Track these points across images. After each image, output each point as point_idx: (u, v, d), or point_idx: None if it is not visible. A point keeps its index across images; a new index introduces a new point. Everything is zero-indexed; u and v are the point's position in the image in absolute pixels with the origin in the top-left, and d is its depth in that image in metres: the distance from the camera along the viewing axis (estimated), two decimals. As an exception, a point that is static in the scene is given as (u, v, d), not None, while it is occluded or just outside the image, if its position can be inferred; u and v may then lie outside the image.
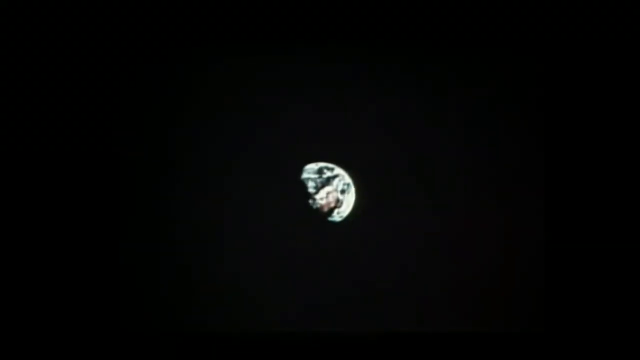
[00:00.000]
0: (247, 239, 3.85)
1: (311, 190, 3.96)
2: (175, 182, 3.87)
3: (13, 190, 3.75)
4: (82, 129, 3.81)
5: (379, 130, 3.89)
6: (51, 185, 3.76)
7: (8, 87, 3.78)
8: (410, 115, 3.90)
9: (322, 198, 3.96)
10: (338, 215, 3.97)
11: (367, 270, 3.85)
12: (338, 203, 3.97)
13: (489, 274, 3.82)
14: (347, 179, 3.98)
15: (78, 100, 3.82)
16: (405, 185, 3.88)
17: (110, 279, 3.76)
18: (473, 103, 3.90)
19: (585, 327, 3.73)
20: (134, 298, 3.80)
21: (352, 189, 3.98)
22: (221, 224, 3.86)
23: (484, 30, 3.83)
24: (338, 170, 3.97)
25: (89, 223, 3.77)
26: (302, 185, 3.95)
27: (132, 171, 3.86)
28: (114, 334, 3.75)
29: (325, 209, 3.96)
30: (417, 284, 3.83)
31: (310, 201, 3.95)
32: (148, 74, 3.88)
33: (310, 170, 3.95)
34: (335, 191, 3.96)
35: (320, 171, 3.97)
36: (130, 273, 3.80)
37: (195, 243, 3.84)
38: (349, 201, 3.98)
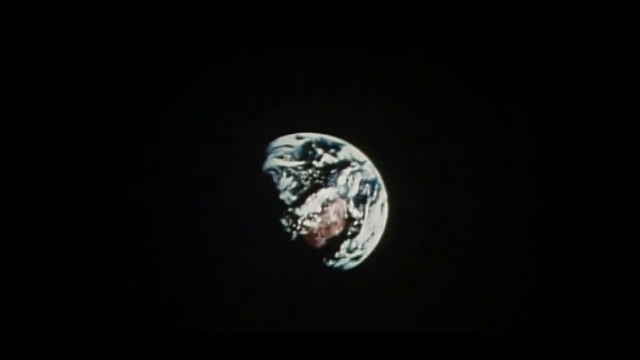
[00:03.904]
0: (247, 239, 3.84)
1: (287, 197, 2.00)
2: (174, 182, 3.86)
3: (12, 191, 3.75)
4: (81, 129, 3.80)
5: (378, 130, 3.88)
6: (50, 185, 3.76)
7: (8, 86, 3.78)
8: (410, 115, 3.90)
9: (313, 215, 2.03)
10: (350, 256, 2.03)
11: (368, 271, 3.85)
12: (349, 225, 2.06)
13: (489, 274, 3.82)
14: (370, 172, 1.98)
15: (78, 100, 3.82)
16: (406, 186, 3.88)
17: (109, 279, 3.76)
18: (473, 103, 3.90)
19: (585, 327, 3.73)
20: (133, 298, 3.79)
21: (382, 196, 2.00)
22: (220, 223, 3.85)
23: (485, 29, 3.84)
24: (349, 148, 1.95)
25: (89, 223, 3.77)
26: (269, 185, 1.98)
27: (131, 171, 3.85)
28: (114, 334, 3.74)
29: (320, 240, 1.99)
30: (417, 285, 3.82)
31: (285, 222, 2.02)
32: (148, 74, 3.88)
33: (287, 152, 1.91)
34: (343, 199, 2.03)
35: (307, 153, 2.02)
36: (129, 273, 3.79)
37: (195, 243, 3.83)
38: (373, 222, 2.06)
